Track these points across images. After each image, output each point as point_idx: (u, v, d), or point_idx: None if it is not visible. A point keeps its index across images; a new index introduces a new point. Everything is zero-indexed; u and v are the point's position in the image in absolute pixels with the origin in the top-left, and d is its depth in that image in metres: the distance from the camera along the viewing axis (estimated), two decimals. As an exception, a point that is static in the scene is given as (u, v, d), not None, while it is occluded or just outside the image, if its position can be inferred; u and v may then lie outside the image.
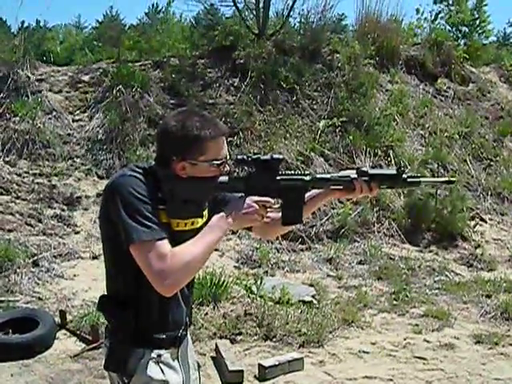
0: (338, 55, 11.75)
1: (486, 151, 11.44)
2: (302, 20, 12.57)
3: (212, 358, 5.46)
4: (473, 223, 9.78)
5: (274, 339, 5.87)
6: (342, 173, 2.46)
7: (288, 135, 10.11)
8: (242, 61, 11.01)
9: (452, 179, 2.68)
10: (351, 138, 10.28)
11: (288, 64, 11.13)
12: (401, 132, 10.92)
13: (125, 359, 2.18)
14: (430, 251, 8.93)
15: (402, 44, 12.97)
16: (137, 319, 2.19)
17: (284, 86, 10.81)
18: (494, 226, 10.03)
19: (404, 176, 2.41)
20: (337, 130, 10.41)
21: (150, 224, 2.06)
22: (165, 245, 2.07)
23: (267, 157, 2.29)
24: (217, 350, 5.46)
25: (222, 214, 2.20)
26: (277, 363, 5.17)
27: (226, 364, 5.10)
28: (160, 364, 2.23)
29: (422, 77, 12.76)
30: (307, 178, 2.34)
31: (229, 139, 9.44)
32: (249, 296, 6.53)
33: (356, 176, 2.40)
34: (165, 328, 2.26)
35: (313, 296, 7.04)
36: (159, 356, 2.24)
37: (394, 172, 2.42)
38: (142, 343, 2.21)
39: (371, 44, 12.24)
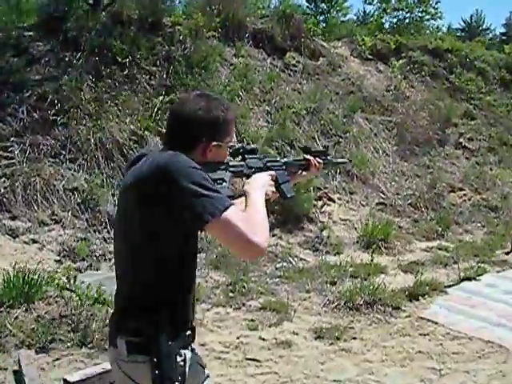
0: (179, 27, 10.99)
1: (335, 127, 11.11)
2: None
3: (14, 372, 4.65)
4: (320, 203, 9.39)
5: (90, 345, 5.12)
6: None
7: (121, 113, 9.26)
8: (74, 33, 9.97)
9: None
10: (191, 115, 9.56)
11: (124, 37, 10.23)
12: (245, 108, 10.34)
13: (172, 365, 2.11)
14: (273, 235, 8.36)
15: (250, 16, 12.40)
16: (173, 320, 2.14)
17: (119, 60, 9.91)
18: (343, 205, 9.69)
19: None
20: (176, 107, 9.64)
21: (219, 190, 2.07)
22: (238, 208, 2.08)
23: (250, 146, 2.54)
24: (19, 362, 4.67)
25: (254, 180, 2.35)
26: (84, 377, 4.37)
27: (24, 381, 4.38)
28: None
29: (271, 50, 12.25)
30: (283, 160, 2.68)
31: (55, 118, 8.61)
32: (63, 296, 5.70)
33: (306, 155, 2.82)
34: (187, 325, 2.28)
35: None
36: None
37: (323, 149, 3.00)
38: (180, 344, 2.19)
39: (216, 16, 11.61)
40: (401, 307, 6.44)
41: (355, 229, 8.87)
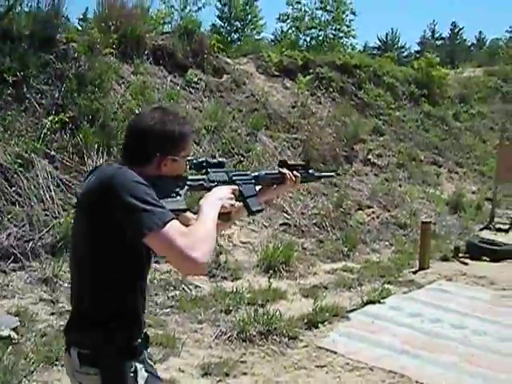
0: (73, 44, 10.32)
1: (238, 146, 10.64)
2: (33, 4, 10.97)
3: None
4: (219, 225, 8.85)
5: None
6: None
7: (7, 135, 8.51)
8: (-43, 49, 9.18)
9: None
10: (82, 136, 8.91)
11: (14, 53, 9.50)
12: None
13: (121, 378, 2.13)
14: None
15: (149, 33, 11.85)
16: (123, 330, 2.16)
17: (7, 78, 9.17)
18: (245, 227, 9.17)
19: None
20: (66, 128, 8.98)
21: (162, 205, 2.04)
22: (180, 223, 2.04)
23: (216, 159, 2.53)
24: None
25: (212, 193, 2.33)
26: None
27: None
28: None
29: (171, 68, 11.69)
30: (253, 174, 2.66)
31: None
32: None
33: (281, 169, 2.80)
34: (139, 334, 2.27)
35: (14, 328, 5.60)
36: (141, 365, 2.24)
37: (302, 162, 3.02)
38: (130, 355, 2.19)
39: (113, 32, 10.99)
40: (298, 337, 5.97)
41: (255, 252, 8.33)
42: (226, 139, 10.60)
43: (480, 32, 58.87)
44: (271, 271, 7.60)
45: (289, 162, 2.89)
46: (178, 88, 11.32)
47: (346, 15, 31.80)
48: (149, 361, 2.32)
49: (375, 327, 6.27)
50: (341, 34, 33.40)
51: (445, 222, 11.18)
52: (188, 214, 2.46)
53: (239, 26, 38.40)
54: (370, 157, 12.41)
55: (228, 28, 39.01)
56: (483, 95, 18.18)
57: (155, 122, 2.22)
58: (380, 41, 56.24)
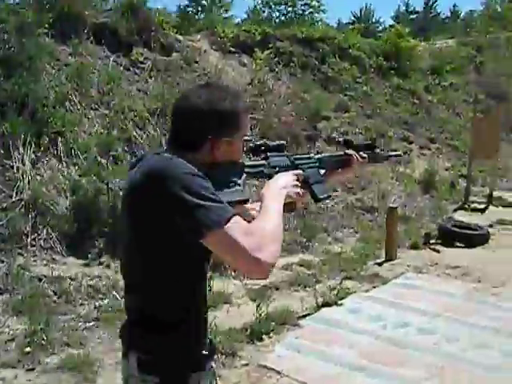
0: (2, 25, 9.30)
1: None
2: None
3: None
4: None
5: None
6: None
7: None
8: None
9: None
10: (8, 125, 7.90)
11: None
12: (78, 114, 8.77)
13: None
14: (100, 263, 6.86)
15: (89, 10, 10.78)
16: (188, 337, 1.97)
17: None
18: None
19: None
20: (-9, 117, 7.98)
21: (221, 199, 1.79)
22: (242, 219, 1.79)
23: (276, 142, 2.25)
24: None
25: (274, 181, 2.07)
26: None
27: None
28: None
29: (115, 47, 10.68)
30: (317, 156, 2.42)
31: None
32: None
33: (348, 150, 2.57)
34: (205, 343, 2.08)
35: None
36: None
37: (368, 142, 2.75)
38: (195, 366, 1.99)
39: (48, 11, 9.96)
40: (237, 353, 5.07)
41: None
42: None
43: (454, 5, 58.18)
44: (213, 269, 6.61)
45: (354, 142, 2.67)
46: (122, 68, 10.31)
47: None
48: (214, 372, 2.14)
49: (329, 336, 5.37)
50: (311, 10, 32.62)
51: (416, 203, 10.32)
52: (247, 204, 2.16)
53: (205, 4, 37.20)
54: (334, 135, 11.44)
55: (195, 8, 37.82)
56: (456, 66, 17.21)
57: (204, 100, 1.96)
58: (354, 16, 55.20)
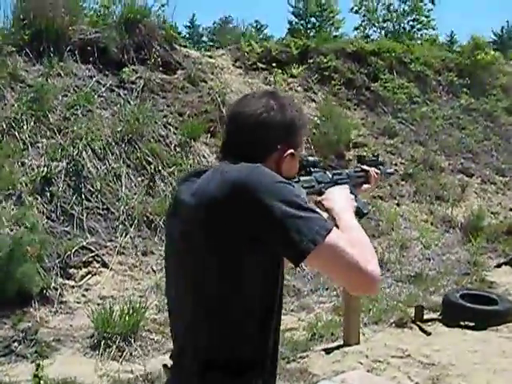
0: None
1: (159, 160, 8.13)
2: None
3: None
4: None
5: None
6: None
7: None
8: None
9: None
10: None
11: None
12: (24, 142, 7.57)
13: None
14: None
15: (75, 25, 9.54)
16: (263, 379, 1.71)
17: None
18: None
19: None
20: None
21: (316, 209, 1.66)
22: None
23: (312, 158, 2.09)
24: None
25: (337, 194, 1.97)
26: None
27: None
28: None
29: (104, 65, 9.35)
30: (346, 171, 2.27)
31: None
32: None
33: (364, 166, 2.36)
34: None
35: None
36: None
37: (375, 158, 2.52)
38: None
39: (27, 28, 9.01)
40: None
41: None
42: (141, 152, 8.08)
43: None
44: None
45: (366, 158, 2.46)
46: (103, 89, 8.94)
47: (425, 4, 28.62)
48: None
49: None
50: (418, 26, 30.09)
51: (448, 255, 8.04)
52: None
53: (315, 22, 35.54)
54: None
55: (304, 25, 36.28)
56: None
57: (270, 107, 1.77)
58: (495, 35, 50.48)
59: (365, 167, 2.35)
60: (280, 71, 11.04)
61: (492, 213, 9.68)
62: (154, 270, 6.76)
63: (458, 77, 12.58)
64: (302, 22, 36.55)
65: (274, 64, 11.09)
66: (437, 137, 10.96)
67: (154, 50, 9.85)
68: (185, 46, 10.99)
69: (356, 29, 30.79)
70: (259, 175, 1.59)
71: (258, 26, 43.37)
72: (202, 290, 1.65)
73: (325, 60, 11.52)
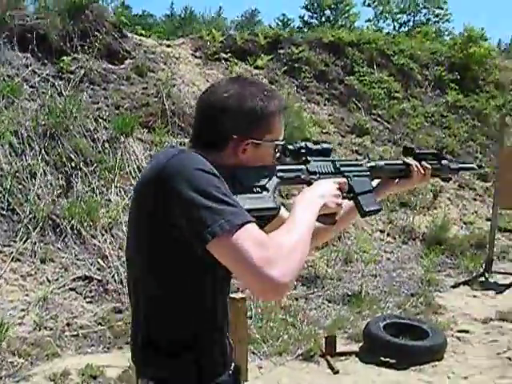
0: None
1: (82, 157, 7.36)
2: None
3: None
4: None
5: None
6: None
7: None
8: None
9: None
10: None
11: None
12: None
13: None
14: None
15: (12, 11, 8.79)
16: (199, 363, 1.65)
17: None
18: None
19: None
20: None
21: (236, 203, 1.51)
22: (258, 229, 1.50)
23: (320, 146, 1.91)
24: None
25: (311, 189, 1.77)
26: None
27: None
28: None
29: (42, 54, 8.61)
30: (369, 164, 2.06)
31: None
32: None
33: (407, 159, 2.16)
34: (224, 367, 1.75)
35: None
36: None
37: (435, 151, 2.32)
38: None
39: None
40: None
41: None
42: (63, 148, 7.31)
43: None
44: None
45: (417, 150, 2.22)
46: (38, 79, 8.19)
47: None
48: None
49: None
50: (434, 19, 29.03)
51: (399, 271, 7.13)
52: (284, 212, 1.88)
53: (330, 15, 34.53)
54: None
55: (318, 18, 35.31)
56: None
57: (230, 95, 1.69)
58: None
59: (407, 160, 2.15)
60: (243, 62, 10.21)
61: (464, 222, 8.72)
62: (49, 280, 5.97)
63: (447, 71, 11.58)
64: (315, 15, 35.58)
65: (238, 54, 10.26)
66: (413, 136, 10.00)
67: (100, 37, 9.09)
68: (141, 34, 10.14)
69: (369, 21, 29.83)
70: (179, 161, 1.53)
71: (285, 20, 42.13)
72: (140, 271, 1.65)
73: (296, 51, 10.64)
